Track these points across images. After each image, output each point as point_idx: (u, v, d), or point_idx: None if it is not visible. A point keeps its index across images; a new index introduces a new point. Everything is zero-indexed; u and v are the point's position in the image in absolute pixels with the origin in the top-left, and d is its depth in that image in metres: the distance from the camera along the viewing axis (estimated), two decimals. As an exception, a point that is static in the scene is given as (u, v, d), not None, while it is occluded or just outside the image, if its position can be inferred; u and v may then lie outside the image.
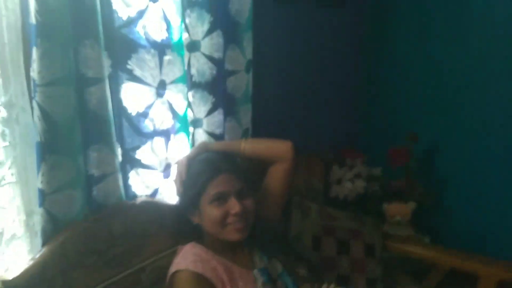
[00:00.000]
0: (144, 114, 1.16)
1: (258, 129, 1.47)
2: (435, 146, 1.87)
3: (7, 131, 0.92)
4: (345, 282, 1.37)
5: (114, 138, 1.07)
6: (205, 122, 1.31)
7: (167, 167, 1.25)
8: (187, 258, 1.01)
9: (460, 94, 1.73)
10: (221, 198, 1.00)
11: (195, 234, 1.10)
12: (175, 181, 1.10)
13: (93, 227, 1.00)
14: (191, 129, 1.31)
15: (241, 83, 1.36)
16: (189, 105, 1.28)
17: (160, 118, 1.20)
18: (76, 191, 1.00)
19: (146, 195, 1.19)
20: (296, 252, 1.21)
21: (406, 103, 1.95)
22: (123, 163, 1.14)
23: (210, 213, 1.01)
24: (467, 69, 1.68)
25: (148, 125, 1.17)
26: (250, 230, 1.05)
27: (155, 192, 1.22)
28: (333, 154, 1.77)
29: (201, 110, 1.30)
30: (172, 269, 1.01)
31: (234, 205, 1.00)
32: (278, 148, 1.15)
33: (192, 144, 1.32)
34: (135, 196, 1.17)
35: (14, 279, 0.86)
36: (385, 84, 2.03)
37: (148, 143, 1.18)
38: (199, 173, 1.04)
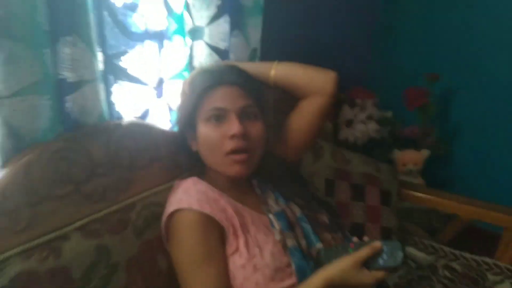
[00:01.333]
0: (133, 6, 0.88)
1: (267, 53, 1.21)
2: (451, 92, 1.71)
3: None
4: (359, 231, 1.21)
5: (93, 31, 0.79)
6: (207, 32, 1.04)
7: (160, 82, 0.98)
8: (191, 195, 0.80)
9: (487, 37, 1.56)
10: (219, 116, 0.81)
11: (197, 167, 0.90)
12: (181, 94, 0.92)
13: (67, 149, 0.74)
14: (188, 40, 1.04)
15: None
16: (187, 8, 1.01)
17: (152, 14, 0.93)
18: (42, 99, 0.73)
19: (135, 117, 0.93)
20: (315, 195, 1.01)
21: (424, 43, 1.76)
22: (105, 73, 0.87)
23: (204, 134, 0.82)
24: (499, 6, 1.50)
25: (137, 23, 0.90)
26: (255, 165, 0.85)
27: (144, 114, 0.96)
28: (342, 93, 1.56)
29: (202, 15, 1.03)
30: (170, 207, 0.80)
31: (232, 125, 0.79)
32: (318, 78, 0.92)
33: (191, 58, 1.05)
34: (120, 117, 0.91)
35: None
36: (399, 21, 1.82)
37: (137, 48, 0.91)
38: (197, 84, 0.85)
